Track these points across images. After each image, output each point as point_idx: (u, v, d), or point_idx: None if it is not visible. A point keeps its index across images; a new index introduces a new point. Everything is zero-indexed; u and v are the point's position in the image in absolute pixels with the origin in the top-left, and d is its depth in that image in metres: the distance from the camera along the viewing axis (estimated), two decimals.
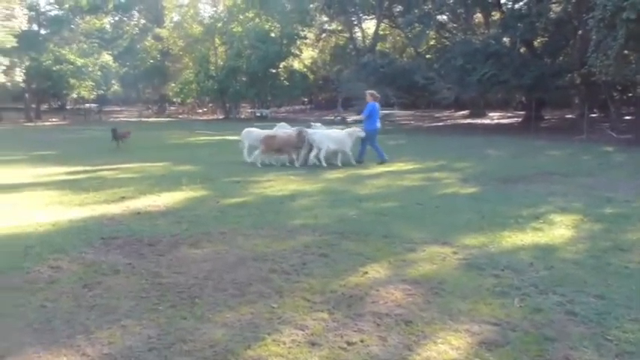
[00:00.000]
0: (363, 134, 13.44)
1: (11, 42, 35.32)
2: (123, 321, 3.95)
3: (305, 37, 44.66)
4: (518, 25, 27.68)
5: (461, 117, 40.27)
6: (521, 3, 31.41)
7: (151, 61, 52.61)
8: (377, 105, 14.05)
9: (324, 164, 12.88)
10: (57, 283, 4.74)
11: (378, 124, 14.05)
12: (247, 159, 13.59)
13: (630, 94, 33.39)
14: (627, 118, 29.27)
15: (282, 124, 14.74)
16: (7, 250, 5.71)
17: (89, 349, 3.53)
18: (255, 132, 14.03)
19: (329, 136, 13.39)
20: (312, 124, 14.94)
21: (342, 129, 14.27)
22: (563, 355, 3.43)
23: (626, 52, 20.63)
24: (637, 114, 27.37)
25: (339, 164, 13.12)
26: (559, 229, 6.63)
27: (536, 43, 31.73)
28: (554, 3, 30.17)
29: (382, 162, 13.45)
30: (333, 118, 37.68)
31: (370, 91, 14.41)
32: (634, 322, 3.90)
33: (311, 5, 40.79)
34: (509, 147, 18.19)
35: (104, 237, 6.23)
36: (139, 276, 4.93)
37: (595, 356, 3.43)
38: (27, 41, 38.08)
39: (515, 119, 34.80)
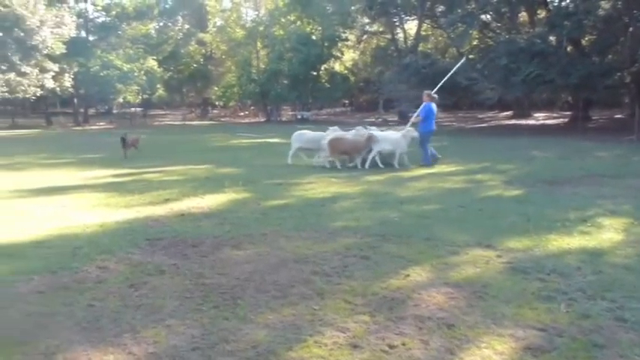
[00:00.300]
0: (416, 134, 13.25)
1: (60, 49, 36.57)
2: (168, 320, 4.03)
3: (346, 39, 44.64)
4: (565, 23, 26.99)
5: (504, 118, 39.53)
6: (568, 0, 30.67)
7: (195, 65, 53.54)
8: (433, 106, 13.68)
9: (380, 165, 12.98)
10: (104, 282, 4.87)
11: (434, 126, 13.71)
12: (289, 161, 13.74)
13: None
14: None
15: (335, 127, 14.71)
16: (56, 250, 5.90)
17: (135, 347, 3.61)
18: (307, 134, 14.12)
19: (385, 137, 13.36)
20: (367, 127, 14.90)
21: (398, 130, 14.13)
22: None
23: None
24: None
25: (397, 165, 13.07)
26: (608, 233, 6.43)
27: (583, 42, 30.91)
28: (602, 0, 29.34)
29: (425, 166, 13.21)
30: (374, 120, 37.55)
31: (427, 92, 14.02)
32: None
33: (352, 7, 40.73)
34: (555, 148, 17.75)
35: (149, 238, 6.37)
36: (183, 276, 5.02)
37: None
38: (75, 48, 39.31)
39: (562, 120, 33.96)
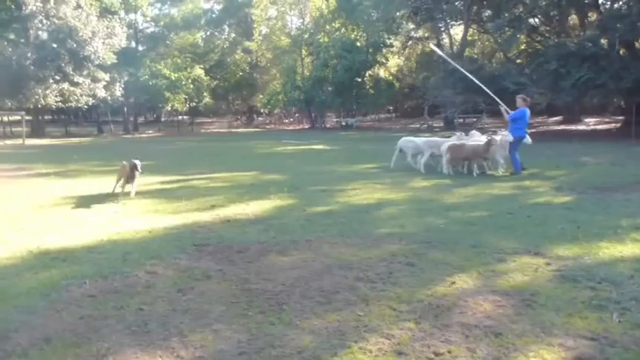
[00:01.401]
0: (511, 138, 12.63)
1: (112, 59, 37.73)
2: (214, 325, 4.09)
3: (391, 46, 44.53)
4: (618, 25, 26.23)
5: (554, 123, 38.60)
6: (620, 2, 29.82)
7: (240, 73, 54.41)
8: (527, 111, 12.98)
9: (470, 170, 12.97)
10: (153, 287, 4.98)
11: (525, 132, 12.90)
12: (392, 164, 14.22)
13: None
14: None
15: (473, 132, 14.79)
16: (108, 255, 6.08)
17: (183, 351, 3.69)
18: (416, 141, 14.29)
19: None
20: (470, 132, 14.97)
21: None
22: None
23: None
24: None
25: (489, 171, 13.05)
26: None
27: (637, 44, 29.94)
28: None
29: (514, 173, 12.49)
30: (419, 126, 37.29)
31: (522, 95, 13.46)
32: None
33: (397, 13, 40.61)
34: (606, 154, 17.23)
35: (196, 244, 6.49)
36: (230, 282, 5.10)
37: None
38: (126, 57, 40.52)
39: (614, 125, 32.93)
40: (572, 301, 4.40)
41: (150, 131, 46.33)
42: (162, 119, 60.01)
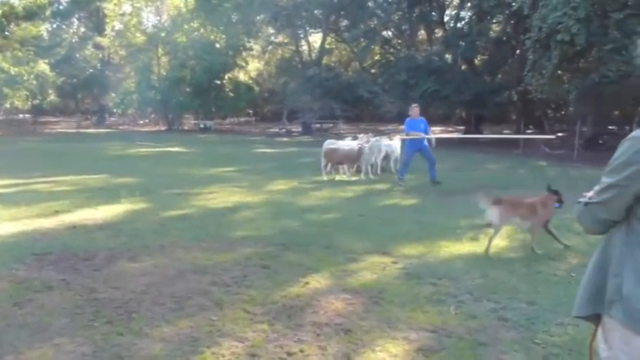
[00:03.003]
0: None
1: None
2: (55, 339, 3.80)
3: (251, 49, 44.53)
4: (460, 43, 28.64)
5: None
6: (463, 22, 32.53)
7: (91, 70, 51.20)
8: (415, 119, 12.60)
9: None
10: None
11: (422, 142, 12.65)
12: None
13: (563, 112, 35.08)
14: (560, 134, 30.52)
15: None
16: None
17: None
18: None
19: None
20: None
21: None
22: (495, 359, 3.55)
23: (559, 72, 21.70)
24: (569, 131, 28.68)
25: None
26: (494, 239, 6.83)
27: (476, 61, 32.86)
28: (494, 23, 31.41)
29: (401, 180, 12.24)
30: (278, 130, 37.72)
31: (415, 105, 13.05)
32: (560, 326, 4.08)
33: (257, 17, 40.77)
34: (449, 160, 18.61)
35: (36, 253, 5.98)
36: (74, 292, 4.77)
37: (524, 359, 3.57)
38: None
39: (456, 134, 35.71)
40: (415, 297, 4.69)
41: None
42: (1, 117, 54.80)
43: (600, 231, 1.99)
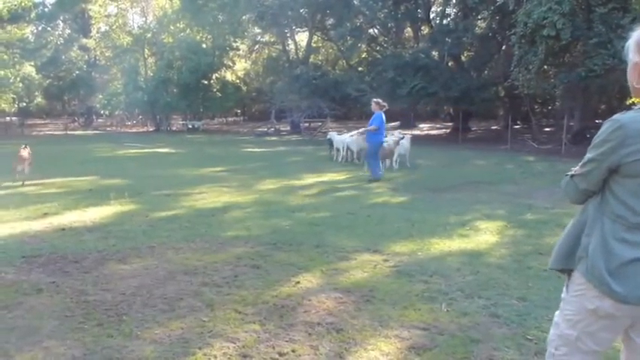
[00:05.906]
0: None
1: None
2: (45, 342, 3.77)
3: (238, 49, 44.40)
4: (446, 39, 28.72)
5: (391, 128, 40.98)
6: (448, 19, 32.63)
7: (77, 72, 50.80)
8: (382, 115, 12.20)
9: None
10: None
11: (384, 137, 12.70)
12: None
13: (550, 107, 35.36)
14: (547, 129, 30.79)
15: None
16: None
17: None
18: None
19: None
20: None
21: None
22: (487, 356, 3.55)
23: (545, 67, 21.86)
24: (556, 126, 28.90)
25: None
26: (484, 235, 6.88)
27: (463, 57, 32.97)
28: (479, 19, 31.53)
29: (374, 180, 12.13)
30: (266, 129, 37.64)
31: (376, 99, 12.54)
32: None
33: (243, 17, 40.63)
34: (438, 157, 18.72)
35: (25, 255, 5.94)
36: (64, 294, 4.73)
37: (516, 356, 3.58)
38: None
39: (444, 130, 35.87)
40: (407, 295, 4.70)
41: None
42: None
43: (582, 200, 2.28)
